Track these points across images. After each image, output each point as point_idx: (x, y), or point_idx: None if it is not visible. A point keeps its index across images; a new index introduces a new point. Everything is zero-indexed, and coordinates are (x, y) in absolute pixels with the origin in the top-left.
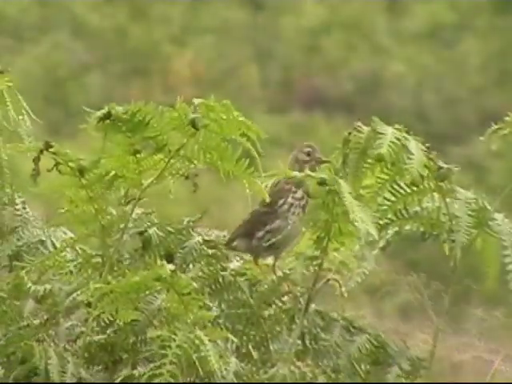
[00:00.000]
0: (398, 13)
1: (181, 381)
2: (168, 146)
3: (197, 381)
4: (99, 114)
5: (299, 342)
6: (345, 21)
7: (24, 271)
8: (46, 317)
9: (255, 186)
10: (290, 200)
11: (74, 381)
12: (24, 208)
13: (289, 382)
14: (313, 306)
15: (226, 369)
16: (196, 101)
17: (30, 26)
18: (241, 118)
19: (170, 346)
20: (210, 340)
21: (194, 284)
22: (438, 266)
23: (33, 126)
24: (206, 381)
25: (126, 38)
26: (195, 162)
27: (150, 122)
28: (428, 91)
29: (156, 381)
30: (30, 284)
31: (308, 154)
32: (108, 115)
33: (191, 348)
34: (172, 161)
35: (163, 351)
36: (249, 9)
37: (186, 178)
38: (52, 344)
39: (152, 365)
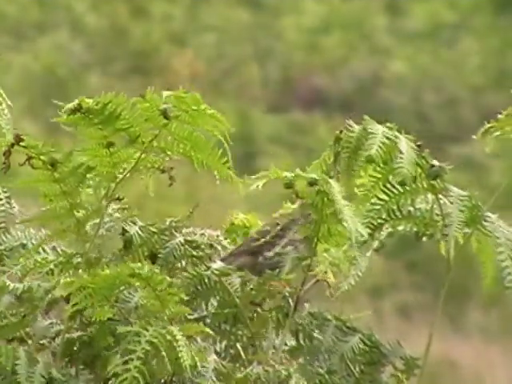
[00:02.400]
0: (397, 12)
1: (148, 378)
2: (141, 137)
3: (173, 379)
4: (69, 106)
5: (293, 339)
6: (345, 20)
7: (5, 275)
8: (23, 314)
9: (229, 177)
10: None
11: (43, 381)
12: (8, 203)
13: (262, 380)
14: (306, 305)
15: (203, 366)
16: (165, 93)
17: (29, 24)
18: (209, 111)
19: (139, 342)
20: (187, 336)
21: (168, 279)
22: (437, 267)
23: (32, 124)
24: (180, 378)
25: (125, 36)
26: (169, 153)
27: (122, 113)
28: (428, 90)
29: (123, 377)
30: (8, 282)
31: None
32: (78, 107)
33: (162, 344)
34: (146, 153)
35: (132, 347)
36: (249, 8)
37: (162, 171)
38: (30, 341)
39: (119, 360)
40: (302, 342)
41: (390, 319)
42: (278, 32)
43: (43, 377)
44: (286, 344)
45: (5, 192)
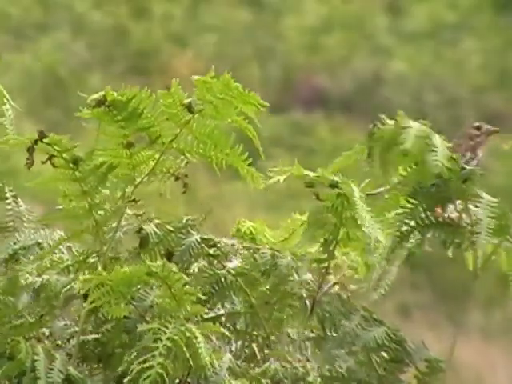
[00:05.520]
0: (398, 12)
1: (172, 374)
2: (161, 138)
3: (189, 376)
4: (95, 96)
5: (319, 328)
6: (345, 20)
7: (21, 273)
8: (40, 314)
9: (250, 174)
10: None
11: (62, 377)
12: (16, 202)
13: (280, 376)
14: (336, 288)
15: (219, 365)
16: (193, 77)
17: (30, 24)
18: (241, 90)
19: (160, 339)
20: (202, 335)
21: (186, 278)
22: (439, 267)
23: (32, 124)
24: (198, 375)
25: (126, 36)
26: (188, 155)
27: (144, 111)
28: (428, 90)
29: (147, 374)
30: (27, 275)
31: (478, 129)
32: (104, 99)
33: (182, 340)
34: (164, 156)
35: (154, 344)
36: (249, 8)
37: (177, 178)
38: (46, 341)
39: (142, 358)
40: (327, 331)
41: (390, 319)
42: (278, 32)
43: (61, 372)
44: (312, 331)
45: (11, 191)
